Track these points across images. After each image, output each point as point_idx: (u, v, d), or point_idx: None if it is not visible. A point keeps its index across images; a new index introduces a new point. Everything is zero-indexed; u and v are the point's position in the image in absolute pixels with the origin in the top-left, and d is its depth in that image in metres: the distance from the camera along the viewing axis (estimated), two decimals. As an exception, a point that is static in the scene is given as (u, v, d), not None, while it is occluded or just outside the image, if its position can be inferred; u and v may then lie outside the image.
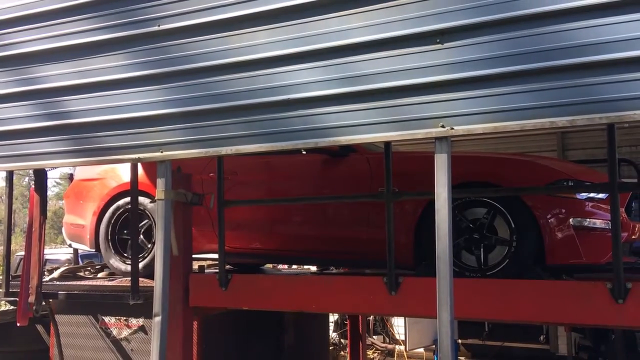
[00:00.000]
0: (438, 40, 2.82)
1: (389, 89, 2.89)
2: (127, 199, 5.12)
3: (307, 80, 3.05)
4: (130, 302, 4.19)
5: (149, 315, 4.68)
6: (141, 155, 3.50)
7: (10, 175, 4.81)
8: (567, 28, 2.60)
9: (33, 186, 4.44)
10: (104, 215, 5.24)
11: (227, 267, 6.01)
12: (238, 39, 3.23)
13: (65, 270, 5.93)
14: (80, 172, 5.74)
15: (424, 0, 2.84)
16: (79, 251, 6.59)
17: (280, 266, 7.77)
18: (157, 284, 3.44)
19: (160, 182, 3.50)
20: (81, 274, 5.95)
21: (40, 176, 4.47)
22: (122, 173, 5.31)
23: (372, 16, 2.92)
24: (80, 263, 6.85)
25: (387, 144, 3.62)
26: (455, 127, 2.77)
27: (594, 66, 2.54)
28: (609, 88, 2.52)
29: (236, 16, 3.23)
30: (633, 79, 2.49)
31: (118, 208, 5.17)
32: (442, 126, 2.79)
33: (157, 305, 3.42)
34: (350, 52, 2.96)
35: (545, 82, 2.62)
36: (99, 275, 5.89)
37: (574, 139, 8.56)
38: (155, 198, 3.50)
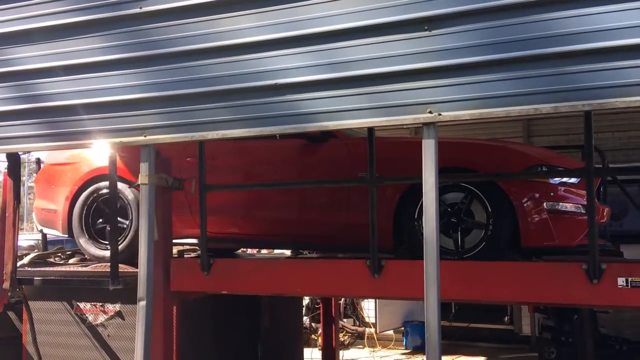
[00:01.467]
0: (426, 28, 2.87)
1: (377, 75, 2.93)
2: (101, 184, 5.07)
3: (295, 66, 3.07)
4: (110, 287, 4.16)
5: (125, 300, 4.67)
6: (124, 139, 3.46)
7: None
8: (551, 18, 2.68)
9: (6, 171, 4.35)
10: (77, 200, 5.16)
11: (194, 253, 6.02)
12: (223, 23, 3.22)
13: (35, 256, 5.82)
14: (50, 157, 5.62)
15: (412, -13, 2.88)
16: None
17: (249, 251, 7.78)
18: (141, 268, 3.43)
19: (144, 167, 3.48)
20: (51, 259, 5.86)
21: (13, 161, 4.37)
22: (92, 157, 5.24)
23: (361, 2, 2.95)
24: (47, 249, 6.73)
25: (371, 129, 3.67)
26: (442, 113, 2.83)
27: (576, 55, 2.64)
28: (590, 76, 2.62)
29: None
30: (613, 67, 2.59)
31: (92, 193, 5.09)
32: (430, 112, 2.85)
33: (141, 290, 3.41)
34: (339, 38, 2.99)
35: (530, 70, 2.70)
36: (70, 261, 5.80)
37: (539, 125, 8.79)
38: (139, 182, 3.47)
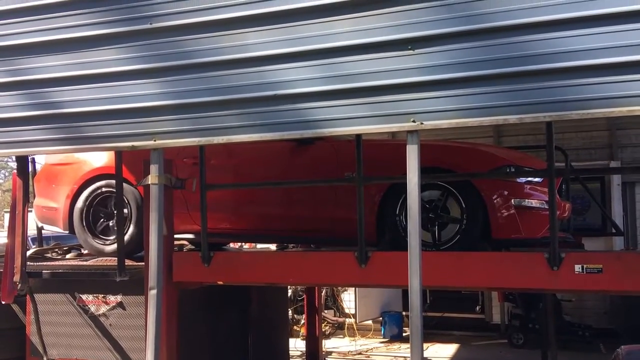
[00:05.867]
0: (410, 47, 3.28)
1: (367, 87, 3.34)
2: (101, 183, 5.38)
3: (295, 78, 3.45)
4: (117, 279, 4.48)
5: (126, 292, 5.00)
6: (135, 143, 3.80)
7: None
8: (517, 41, 3.11)
9: (15, 171, 4.63)
10: (77, 198, 5.45)
11: (190, 246, 6.37)
12: (229, 39, 3.58)
13: (34, 252, 6.08)
14: (50, 157, 5.89)
15: (397, 12, 3.29)
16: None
17: (232, 245, 8.10)
18: (152, 260, 3.77)
19: (154, 168, 3.82)
20: (49, 255, 6.13)
21: (22, 162, 4.66)
22: (91, 158, 5.54)
23: (353, 23, 3.35)
24: (31, 245, 6.95)
25: (358, 134, 4.06)
26: (424, 122, 3.25)
27: (539, 74, 3.07)
28: (551, 92, 3.05)
29: (227, 18, 3.57)
30: (570, 85, 3.03)
31: (93, 191, 5.39)
32: (414, 121, 3.26)
33: (152, 280, 3.75)
34: (334, 54, 3.39)
35: (499, 85, 3.13)
36: (67, 256, 6.08)
37: (508, 126, 9.26)
38: (150, 182, 3.80)
